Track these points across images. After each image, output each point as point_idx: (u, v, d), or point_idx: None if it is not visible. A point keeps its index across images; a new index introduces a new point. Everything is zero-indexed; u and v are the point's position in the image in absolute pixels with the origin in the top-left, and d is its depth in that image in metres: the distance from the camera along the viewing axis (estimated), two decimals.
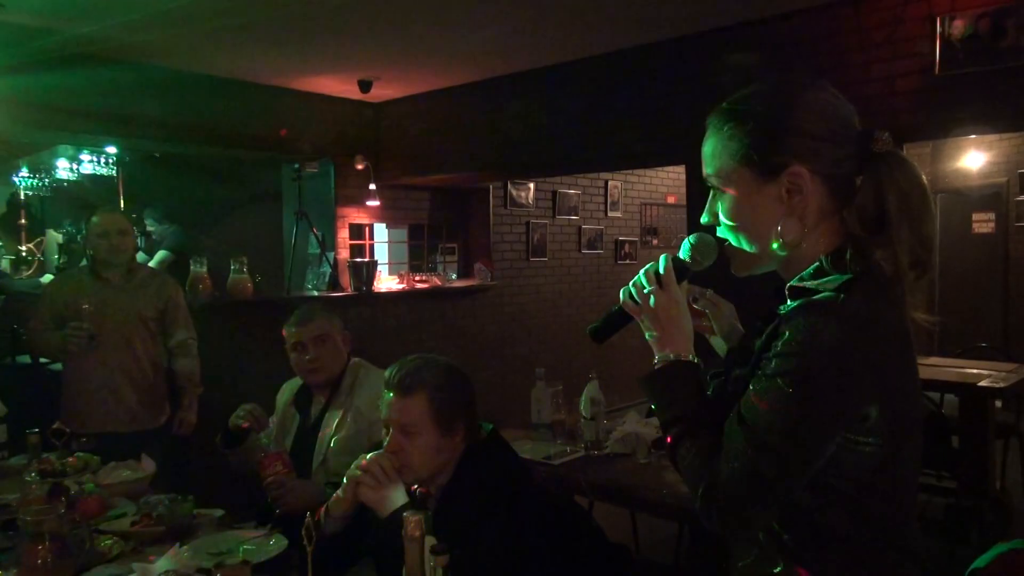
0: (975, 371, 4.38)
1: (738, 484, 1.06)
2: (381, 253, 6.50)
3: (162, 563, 1.84)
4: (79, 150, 5.83)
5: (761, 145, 1.14)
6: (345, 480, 1.83)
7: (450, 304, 6.35)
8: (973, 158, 7.52)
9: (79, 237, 5.82)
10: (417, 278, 6.25)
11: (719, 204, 1.20)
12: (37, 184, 5.96)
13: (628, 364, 6.79)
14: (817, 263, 1.14)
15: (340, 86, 5.47)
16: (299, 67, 4.99)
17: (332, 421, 2.59)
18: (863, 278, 1.09)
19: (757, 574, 1.17)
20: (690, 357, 1.20)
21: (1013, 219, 7.39)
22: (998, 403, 4.38)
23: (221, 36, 4.21)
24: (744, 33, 4.24)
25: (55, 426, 2.71)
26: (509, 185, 6.79)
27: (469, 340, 6.42)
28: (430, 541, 1.35)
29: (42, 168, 5.91)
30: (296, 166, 5.61)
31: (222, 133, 5.19)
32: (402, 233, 6.69)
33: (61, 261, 6.08)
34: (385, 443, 1.84)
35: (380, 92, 5.63)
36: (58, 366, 3.73)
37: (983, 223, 7.66)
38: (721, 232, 1.22)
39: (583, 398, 3.09)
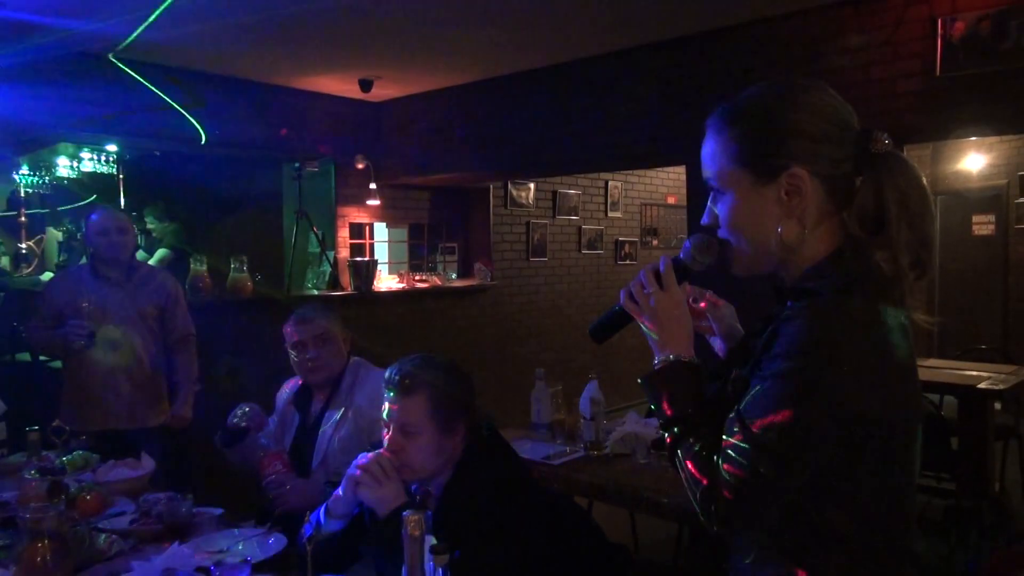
0: (974, 373, 4.38)
1: (738, 484, 1.06)
2: (381, 252, 6.50)
3: (161, 562, 1.84)
4: (79, 148, 5.82)
5: (760, 147, 1.14)
6: (345, 479, 1.83)
7: (450, 304, 6.35)
8: (973, 160, 7.52)
9: (79, 235, 5.82)
10: (417, 278, 6.25)
11: (719, 205, 1.20)
12: (37, 181, 5.94)
13: (628, 364, 6.81)
14: (816, 264, 1.14)
15: (341, 85, 5.47)
16: (300, 66, 4.99)
17: (332, 420, 2.59)
18: (863, 279, 1.09)
19: (756, 574, 1.17)
20: (690, 358, 1.20)
21: (1013, 221, 7.39)
22: (997, 405, 4.38)
23: (222, 35, 4.21)
24: (745, 34, 4.25)
25: (55, 424, 2.71)
26: (509, 185, 6.79)
27: (469, 340, 6.42)
28: (430, 541, 1.35)
29: (42, 165, 5.90)
30: (297, 165, 5.61)
31: (223, 132, 5.19)
32: (402, 232, 6.69)
33: (61, 259, 6.08)
34: (385, 442, 1.84)
35: (381, 91, 5.63)
36: (58, 364, 3.73)
37: (983, 225, 7.66)
38: (721, 233, 1.22)
39: (583, 398, 3.09)
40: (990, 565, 1.56)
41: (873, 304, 1.07)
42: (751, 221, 1.17)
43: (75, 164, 5.86)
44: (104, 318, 3.36)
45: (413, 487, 1.87)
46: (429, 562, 1.32)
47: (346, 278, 5.69)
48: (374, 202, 6.01)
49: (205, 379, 3.75)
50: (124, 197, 6.07)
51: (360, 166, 5.84)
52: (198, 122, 4.92)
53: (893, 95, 3.75)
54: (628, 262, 7.98)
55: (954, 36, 3.54)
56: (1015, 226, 7.38)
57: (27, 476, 2.27)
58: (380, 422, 1.91)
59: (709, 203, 1.23)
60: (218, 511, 2.23)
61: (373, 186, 5.95)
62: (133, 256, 3.65)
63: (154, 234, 6.03)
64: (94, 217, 3.49)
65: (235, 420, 2.57)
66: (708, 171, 1.21)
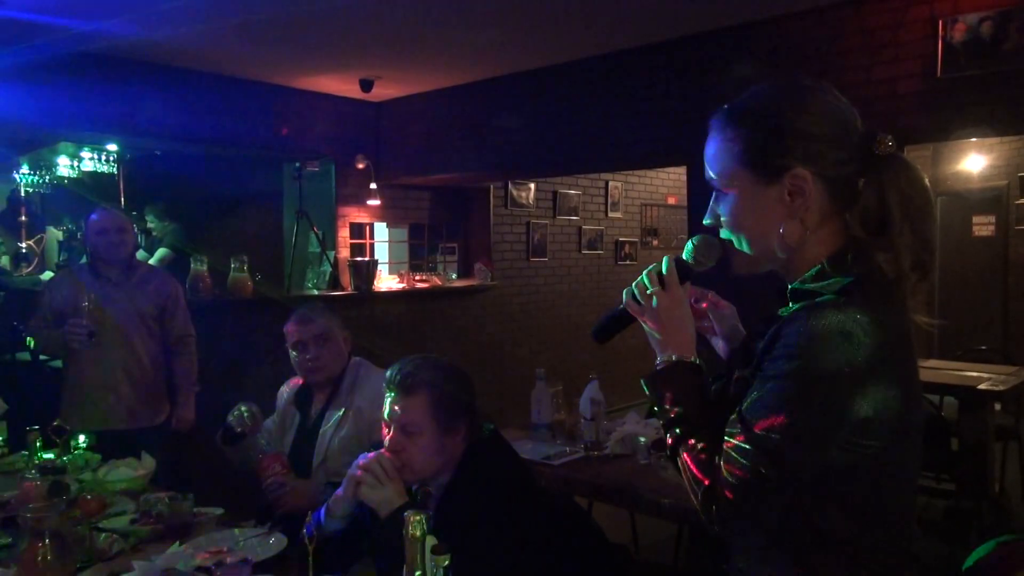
0: (975, 374, 4.38)
1: (739, 485, 1.06)
2: (381, 252, 6.50)
3: (162, 561, 1.84)
4: (80, 147, 5.82)
5: (763, 147, 1.14)
6: (346, 479, 1.83)
7: (450, 304, 6.35)
8: (974, 161, 7.52)
9: (79, 234, 5.82)
10: (417, 278, 6.25)
11: (721, 206, 1.20)
12: (37, 181, 5.95)
13: (628, 365, 6.80)
14: (819, 265, 1.14)
15: (341, 85, 5.47)
16: (301, 66, 4.99)
17: (332, 420, 2.59)
18: (865, 280, 1.09)
19: (757, 575, 1.17)
20: (692, 358, 1.20)
21: (1013, 222, 7.38)
22: (997, 406, 4.38)
23: (223, 35, 4.21)
24: (746, 34, 4.25)
25: (55, 423, 2.70)
26: (510, 185, 6.80)
27: (469, 340, 6.42)
28: (431, 541, 1.34)
29: (43, 165, 5.90)
30: (297, 165, 5.61)
31: (223, 131, 5.19)
32: (403, 232, 6.69)
33: (61, 258, 6.08)
34: (386, 442, 1.84)
35: (381, 91, 5.63)
36: (58, 363, 3.73)
37: (983, 226, 7.65)
38: (723, 234, 1.22)
39: (583, 398, 3.09)
40: (990, 564, 1.56)
41: (875, 306, 1.07)
42: (753, 221, 1.17)
43: (75, 164, 5.86)
44: (104, 317, 3.36)
45: (414, 487, 1.87)
46: (430, 562, 1.32)
47: (346, 278, 5.69)
48: (374, 202, 6.01)
49: (205, 379, 3.75)
50: (124, 197, 6.07)
51: (360, 166, 5.84)
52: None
53: (894, 96, 3.75)
54: (628, 262, 7.98)
55: (955, 37, 3.54)
56: (1015, 227, 7.38)
57: (28, 476, 2.27)
58: (380, 422, 1.91)
59: (711, 203, 1.23)
60: (219, 511, 2.23)
61: (373, 186, 5.95)
62: (133, 256, 3.65)
63: (154, 233, 6.03)
64: (94, 217, 3.49)
65: (232, 421, 2.57)
66: (711, 171, 1.21)
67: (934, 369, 4.55)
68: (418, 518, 1.35)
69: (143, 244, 5.75)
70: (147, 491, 2.41)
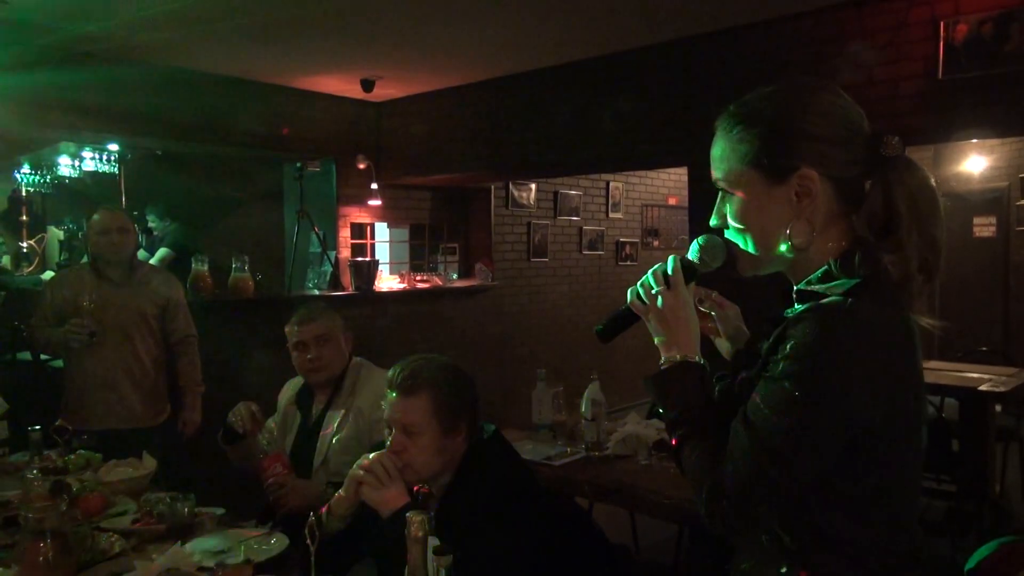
0: (975, 375, 4.38)
1: (743, 486, 1.06)
2: (382, 252, 6.50)
3: (163, 561, 1.84)
4: (81, 147, 5.83)
5: (771, 148, 1.14)
6: (347, 480, 1.83)
7: (451, 304, 6.35)
8: (975, 162, 7.52)
9: (80, 234, 5.82)
10: (418, 278, 6.25)
11: (727, 206, 1.20)
12: (39, 180, 5.95)
13: (629, 365, 6.81)
14: (825, 266, 1.14)
15: (342, 85, 5.47)
16: (302, 66, 4.99)
17: (333, 420, 2.59)
18: (871, 282, 1.09)
19: None
20: (696, 358, 1.20)
21: (1014, 223, 7.38)
22: (998, 407, 4.38)
23: (224, 35, 4.21)
24: (747, 35, 4.24)
25: (57, 423, 2.71)
26: (511, 185, 6.80)
27: (470, 340, 6.42)
28: (432, 541, 1.34)
29: (44, 165, 5.90)
30: (298, 165, 5.61)
31: (224, 131, 5.20)
32: (403, 233, 6.69)
33: (62, 258, 6.08)
34: (388, 443, 1.84)
35: (382, 91, 5.63)
36: (59, 363, 3.73)
37: (984, 227, 7.65)
38: (729, 234, 1.21)
39: (584, 399, 3.09)
40: (990, 563, 1.56)
41: (881, 307, 1.07)
42: (760, 222, 1.17)
43: (76, 163, 5.86)
44: (105, 317, 3.36)
45: (415, 488, 1.87)
46: (432, 563, 1.32)
47: (347, 278, 5.69)
48: (375, 202, 6.01)
49: (205, 379, 3.74)
50: (125, 196, 6.08)
51: (361, 166, 5.84)
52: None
53: (895, 97, 3.75)
54: (629, 263, 7.98)
55: (956, 38, 3.54)
56: (1016, 228, 7.37)
57: (29, 476, 2.27)
58: (381, 422, 1.91)
59: (717, 204, 1.22)
60: (219, 511, 2.23)
61: (374, 186, 5.95)
62: (134, 256, 3.65)
63: (155, 233, 6.03)
64: (96, 217, 3.49)
65: (233, 421, 2.57)
66: (717, 172, 1.20)
67: (935, 370, 4.55)
68: (420, 519, 1.35)
69: (144, 244, 5.75)
70: (148, 491, 2.41)
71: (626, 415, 3.34)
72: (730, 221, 1.20)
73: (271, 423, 2.84)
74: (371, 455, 1.81)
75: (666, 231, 8.44)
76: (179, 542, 1.97)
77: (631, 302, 1.26)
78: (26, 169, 5.85)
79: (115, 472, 2.51)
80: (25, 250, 6.05)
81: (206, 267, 4.59)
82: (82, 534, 1.90)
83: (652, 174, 8.17)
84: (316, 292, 5.53)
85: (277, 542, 2.00)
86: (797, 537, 1.11)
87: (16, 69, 4.08)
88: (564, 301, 7.35)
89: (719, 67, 4.33)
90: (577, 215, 7.46)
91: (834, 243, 1.15)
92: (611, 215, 7.80)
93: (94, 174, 6.02)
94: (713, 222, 1.23)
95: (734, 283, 1.29)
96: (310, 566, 1.60)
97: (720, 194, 1.22)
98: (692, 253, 1.25)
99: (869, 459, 1.07)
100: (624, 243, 7.96)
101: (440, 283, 6.30)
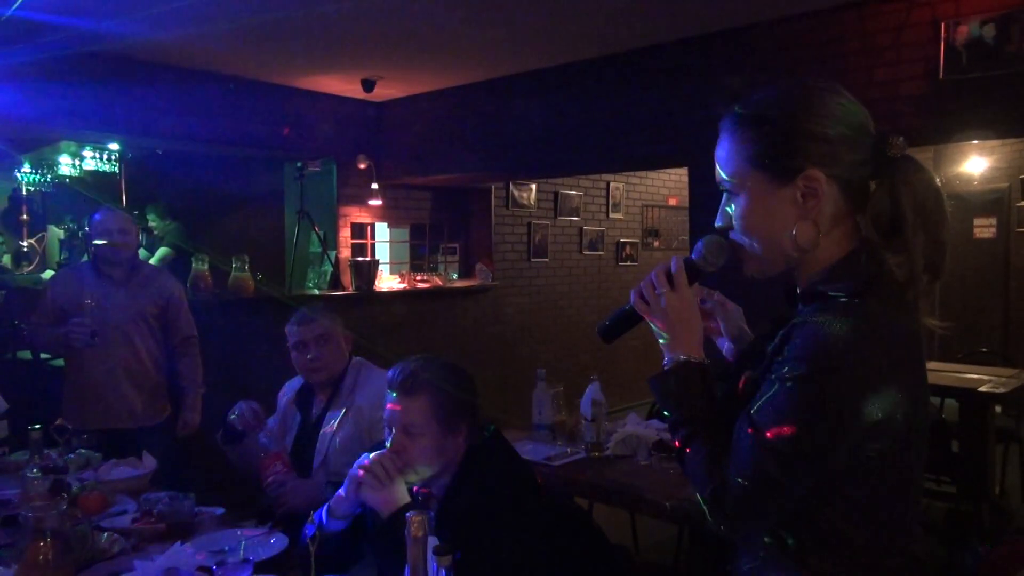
0: (975, 376, 4.38)
1: (746, 487, 1.06)
2: (382, 252, 6.50)
3: (163, 561, 1.84)
4: (81, 146, 5.83)
5: (777, 149, 1.13)
6: (347, 479, 1.83)
7: (451, 304, 6.35)
8: (975, 163, 7.52)
9: (80, 233, 5.82)
10: (418, 278, 6.25)
11: (732, 207, 1.20)
12: (39, 179, 5.95)
13: (630, 365, 6.81)
14: (831, 267, 1.14)
15: (343, 85, 5.47)
16: (303, 66, 4.99)
17: (333, 420, 2.59)
18: (876, 283, 1.09)
19: None
20: (700, 359, 1.20)
21: (1015, 224, 7.38)
22: (998, 408, 4.38)
23: (225, 35, 4.21)
24: (748, 36, 4.24)
25: (57, 422, 2.71)
26: (511, 185, 6.80)
27: (470, 340, 6.42)
28: (432, 542, 1.34)
29: (44, 164, 5.90)
30: (299, 164, 5.62)
31: (225, 131, 5.20)
32: (404, 233, 6.69)
33: (62, 257, 6.09)
34: (388, 443, 1.84)
35: (383, 91, 5.63)
36: (59, 362, 3.73)
37: (984, 228, 7.65)
38: (734, 235, 1.21)
39: (584, 399, 3.09)
40: (990, 562, 1.56)
41: (886, 308, 1.07)
42: (765, 223, 1.16)
43: (77, 162, 5.86)
44: (106, 317, 3.36)
45: (415, 488, 1.87)
46: (432, 563, 1.32)
47: (347, 278, 5.69)
48: (376, 202, 6.01)
49: (205, 379, 3.74)
50: (126, 196, 6.08)
51: (362, 166, 5.84)
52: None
53: (896, 98, 3.74)
54: (629, 263, 7.98)
55: (957, 40, 3.54)
56: (1016, 229, 7.37)
57: (29, 475, 2.28)
58: (381, 422, 1.91)
59: (722, 204, 1.22)
60: (220, 511, 2.23)
61: (375, 186, 5.95)
62: (136, 256, 3.65)
63: (155, 232, 6.04)
64: (97, 217, 3.49)
65: (233, 419, 2.57)
66: (722, 172, 1.20)
67: (935, 371, 4.55)
68: (420, 519, 1.35)
69: (144, 243, 5.76)
70: (148, 491, 2.41)
71: (626, 415, 3.34)
72: (735, 222, 1.20)
73: (271, 423, 2.84)
74: (371, 455, 1.81)
75: (666, 232, 8.44)
76: (179, 542, 1.97)
77: (634, 302, 1.25)
78: (26, 168, 5.85)
79: (114, 471, 2.51)
80: (25, 249, 6.05)
81: (206, 267, 4.60)
82: (82, 533, 1.90)
83: (652, 175, 8.17)
84: (316, 292, 5.53)
85: (277, 542, 2.00)
86: (799, 538, 1.11)
87: (17, 68, 4.08)
88: (564, 301, 7.35)
89: (720, 68, 4.33)
90: (577, 215, 7.46)
91: (839, 244, 1.15)
92: (611, 215, 7.80)
93: (95, 173, 6.02)
94: (717, 222, 1.23)
95: (737, 283, 1.29)
96: (310, 566, 1.60)
97: (725, 194, 1.21)
98: (695, 253, 1.24)
99: (872, 461, 1.07)
100: (624, 243, 7.96)
101: (440, 283, 6.30)
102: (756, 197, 1.16)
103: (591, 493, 2.92)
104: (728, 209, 1.21)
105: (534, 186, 7.00)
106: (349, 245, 5.98)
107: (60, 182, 6.05)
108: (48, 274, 5.47)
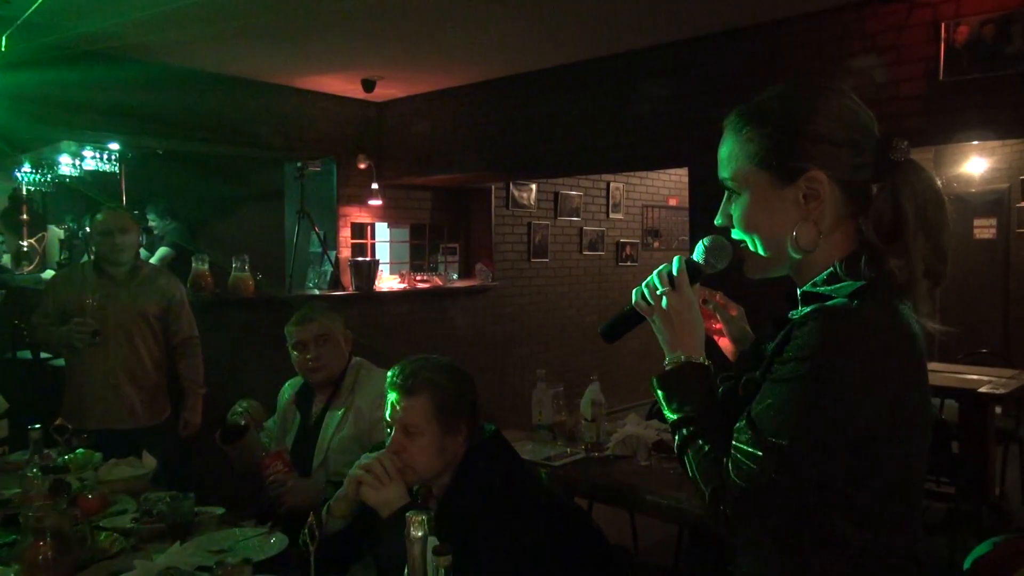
0: (975, 377, 4.39)
1: (747, 487, 1.06)
2: (383, 252, 6.50)
3: (163, 560, 1.84)
4: (82, 146, 5.83)
5: (780, 149, 1.13)
6: (347, 479, 1.83)
7: (451, 304, 6.35)
8: (975, 164, 7.52)
9: (80, 233, 5.82)
10: (418, 278, 6.25)
11: (734, 206, 1.20)
12: (39, 179, 5.95)
13: (629, 366, 6.81)
14: (831, 269, 1.14)
15: (344, 85, 5.48)
16: (303, 66, 5.00)
17: (333, 420, 2.59)
18: (876, 285, 1.09)
19: None
20: (701, 359, 1.20)
21: (1015, 225, 7.38)
22: (998, 409, 4.39)
23: (225, 34, 4.21)
24: (748, 37, 4.25)
25: (57, 422, 2.70)
26: (511, 186, 6.80)
27: (470, 340, 6.42)
28: (432, 542, 1.34)
29: (44, 164, 5.90)
30: (299, 164, 5.62)
31: (225, 131, 5.20)
32: (404, 233, 6.70)
33: (62, 257, 6.09)
34: (387, 443, 1.84)
35: (383, 91, 5.63)
36: (60, 362, 3.73)
37: (984, 229, 7.65)
38: (735, 235, 1.21)
39: (584, 399, 3.09)
40: (988, 562, 1.56)
41: (886, 310, 1.07)
42: (767, 223, 1.16)
43: (77, 162, 5.86)
44: (107, 317, 3.36)
45: (415, 488, 1.87)
46: (431, 563, 1.32)
47: (347, 278, 5.69)
48: (376, 202, 6.02)
49: (205, 379, 3.74)
50: (126, 195, 6.08)
51: (362, 166, 5.84)
52: None
53: (896, 98, 3.75)
54: (629, 264, 7.98)
55: (958, 40, 3.54)
56: (1016, 230, 7.38)
57: (29, 475, 2.27)
58: (381, 422, 1.91)
59: (723, 204, 1.22)
60: (219, 511, 2.23)
61: (375, 186, 5.96)
62: (136, 256, 3.65)
63: (156, 232, 6.03)
64: (98, 217, 3.49)
65: (234, 417, 2.57)
66: (724, 171, 1.20)
67: (935, 372, 4.55)
68: (420, 519, 1.35)
69: (144, 243, 5.76)
70: (148, 491, 2.41)
71: (626, 416, 3.34)
72: (736, 221, 1.20)
73: (271, 423, 2.84)
74: (371, 455, 1.81)
75: (667, 232, 8.44)
76: (179, 542, 1.97)
77: (636, 303, 1.25)
78: (27, 168, 5.84)
79: (115, 471, 2.51)
80: (25, 249, 6.05)
81: (206, 266, 4.59)
82: (82, 533, 1.90)
83: (653, 175, 8.18)
84: (316, 292, 5.53)
85: (277, 542, 2.00)
86: (799, 538, 1.11)
87: (17, 68, 4.08)
88: (564, 302, 7.35)
89: (720, 69, 4.34)
90: (577, 215, 7.46)
91: (840, 246, 1.15)
92: (612, 216, 7.81)
93: (95, 173, 6.02)
94: (718, 221, 1.23)
95: (739, 284, 1.29)
96: (310, 566, 1.60)
97: (726, 194, 1.21)
98: (697, 254, 1.24)
99: (873, 462, 1.07)
100: (624, 244, 7.96)
101: (440, 283, 6.31)
102: (758, 197, 1.16)
103: (591, 493, 2.92)
104: (729, 208, 1.21)
105: (534, 186, 7.00)
106: (349, 245, 5.98)
107: (60, 182, 6.05)
108: (48, 274, 5.47)
